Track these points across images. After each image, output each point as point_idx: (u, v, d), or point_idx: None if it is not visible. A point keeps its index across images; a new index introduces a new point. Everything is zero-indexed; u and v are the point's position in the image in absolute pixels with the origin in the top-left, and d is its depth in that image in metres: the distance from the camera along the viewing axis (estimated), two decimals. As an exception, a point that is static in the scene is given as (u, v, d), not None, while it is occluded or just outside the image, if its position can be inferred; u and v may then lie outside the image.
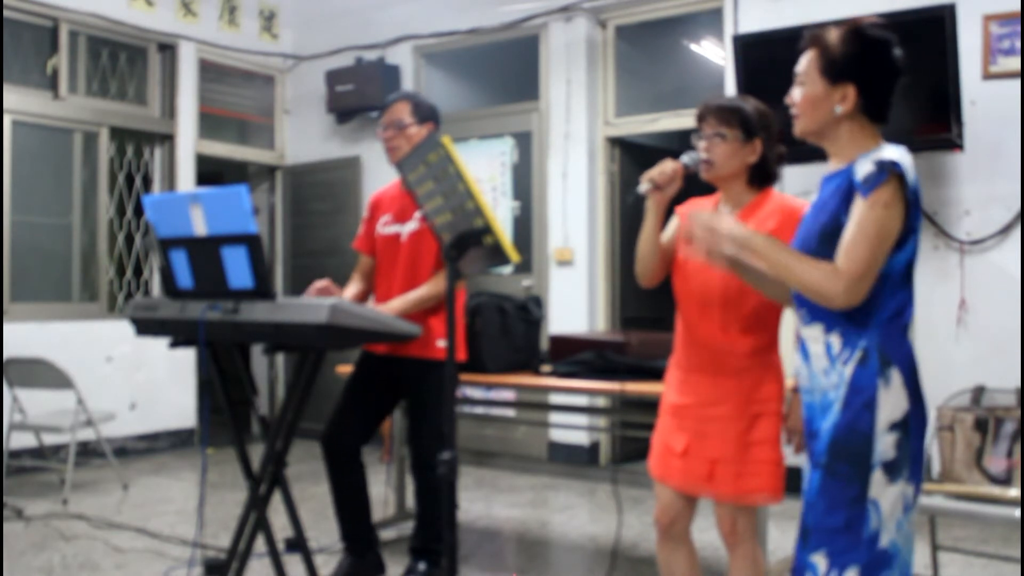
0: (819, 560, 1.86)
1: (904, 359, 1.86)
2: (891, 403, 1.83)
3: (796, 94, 1.98)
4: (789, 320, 2.21)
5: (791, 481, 2.44)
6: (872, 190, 1.80)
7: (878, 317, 1.86)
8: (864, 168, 1.83)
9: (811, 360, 1.96)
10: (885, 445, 1.82)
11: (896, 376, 1.84)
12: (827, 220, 1.90)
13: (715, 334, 2.38)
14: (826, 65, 1.91)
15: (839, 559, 1.84)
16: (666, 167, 2.36)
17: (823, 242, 1.88)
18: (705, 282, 2.38)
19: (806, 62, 1.95)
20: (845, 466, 1.84)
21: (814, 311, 1.93)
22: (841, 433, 1.85)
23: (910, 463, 1.85)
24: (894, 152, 1.84)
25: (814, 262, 1.86)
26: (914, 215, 1.85)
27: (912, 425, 1.84)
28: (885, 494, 1.82)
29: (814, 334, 1.94)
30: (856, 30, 1.91)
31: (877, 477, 1.82)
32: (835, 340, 1.90)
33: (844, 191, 1.87)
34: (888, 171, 1.80)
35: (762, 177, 2.42)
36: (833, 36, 1.92)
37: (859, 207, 1.82)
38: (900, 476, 1.83)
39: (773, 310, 2.38)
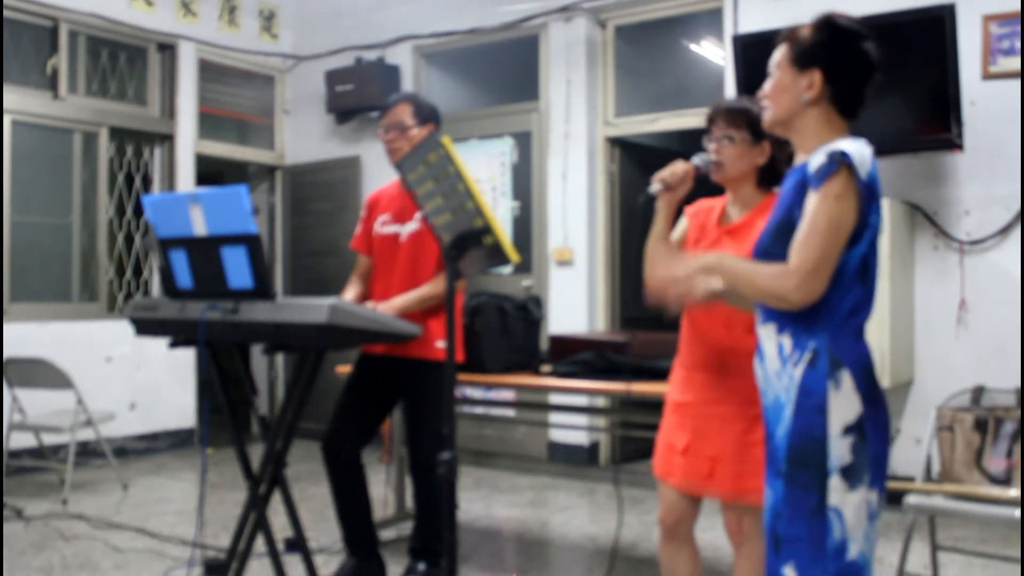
0: (789, 572, 1.82)
1: (856, 361, 1.81)
2: (842, 406, 1.78)
3: (766, 85, 1.96)
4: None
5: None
6: (822, 182, 1.76)
7: (829, 317, 1.81)
8: (816, 160, 1.79)
9: (765, 360, 1.93)
10: (840, 450, 1.77)
11: (847, 378, 1.79)
12: (781, 215, 1.87)
13: (720, 332, 2.38)
14: (795, 53, 1.90)
15: (806, 572, 1.79)
16: (677, 168, 2.35)
17: (775, 238, 1.86)
18: None
19: (778, 55, 1.94)
20: (802, 473, 1.79)
21: (768, 309, 1.90)
22: (796, 440, 1.81)
23: (871, 468, 1.79)
24: (849, 144, 1.79)
25: (765, 266, 1.82)
26: (870, 209, 1.79)
27: (868, 429, 1.79)
28: (847, 502, 1.77)
29: (768, 333, 1.91)
30: (826, 19, 1.90)
31: (835, 483, 1.77)
32: (786, 341, 1.86)
33: (799, 185, 1.84)
34: (837, 161, 1.75)
35: (771, 178, 2.42)
36: (804, 28, 1.91)
37: (811, 201, 1.78)
38: (860, 482, 1.78)
39: None
